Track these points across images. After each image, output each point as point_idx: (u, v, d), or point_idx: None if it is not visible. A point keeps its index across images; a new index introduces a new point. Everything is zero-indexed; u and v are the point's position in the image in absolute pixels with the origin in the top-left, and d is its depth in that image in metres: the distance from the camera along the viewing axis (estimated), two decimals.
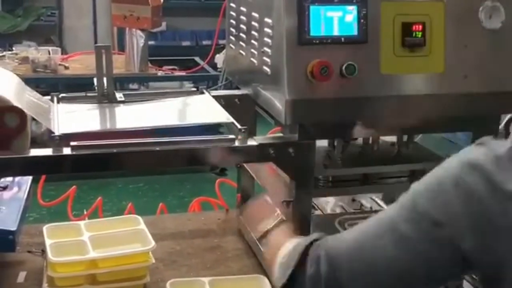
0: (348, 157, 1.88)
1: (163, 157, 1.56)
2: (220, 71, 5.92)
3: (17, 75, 4.75)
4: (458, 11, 1.67)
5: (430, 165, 1.88)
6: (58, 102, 1.88)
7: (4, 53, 5.15)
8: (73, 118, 1.71)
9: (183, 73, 5.44)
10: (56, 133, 1.54)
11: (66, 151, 1.50)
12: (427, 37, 1.64)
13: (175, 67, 5.75)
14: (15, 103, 1.51)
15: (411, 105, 1.68)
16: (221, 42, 5.57)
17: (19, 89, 1.71)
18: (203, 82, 5.80)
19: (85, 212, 2.32)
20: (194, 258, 2.07)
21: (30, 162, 1.50)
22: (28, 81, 5.18)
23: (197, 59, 5.71)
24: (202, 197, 2.54)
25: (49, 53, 4.98)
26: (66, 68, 4.93)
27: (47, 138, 1.58)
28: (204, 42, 7.32)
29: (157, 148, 1.54)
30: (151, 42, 6.31)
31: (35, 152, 1.51)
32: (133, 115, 1.78)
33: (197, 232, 2.25)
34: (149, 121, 1.69)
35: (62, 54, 5.67)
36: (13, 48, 5.46)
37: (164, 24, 7.26)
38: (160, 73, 5.25)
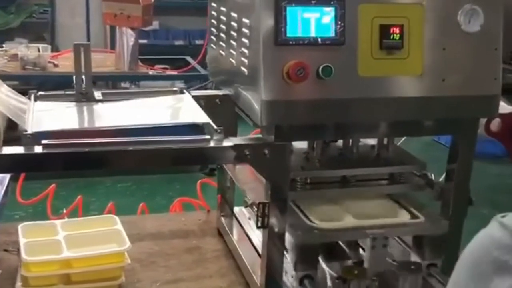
0: (327, 159, 1.87)
1: (135, 157, 1.55)
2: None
3: (6, 72, 4.74)
4: (437, 14, 1.66)
5: (409, 168, 1.91)
6: (35, 100, 1.87)
7: None
8: (48, 116, 1.70)
9: (174, 72, 5.42)
10: (29, 131, 1.52)
11: (38, 149, 1.48)
12: (405, 40, 1.63)
13: (167, 66, 5.74)
14: None
15: (388, 108, 1.66)
16: None
17: None
18: (194, 81, 5.79)
19: (64, 211, 2.31)
20: (172, 258, 2.06)
21: (1, 160, 1.48)
22: (16, 78, 5.18)
23: (188, 58, 5.70)
24: (184, 197, 2.52)
25: (39, 51, 4.95)
26: (56, 65, 4.91)
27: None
28: (197, 42, 7.30)
29: (130, 148, 1.53)
30: (143, 41, 6.31)
31: (6, 150, 1.49)
32: (108, 114, 1.76)
33: (177, 233, 2.24)
34: (123, 120, 1.68)
35: (52, 52, 5.65)
36: (4, 45, 5.44)
37: (157, 23, 7.27)
38: (151, 72, 5.24)
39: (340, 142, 1.95)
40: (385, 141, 1.93)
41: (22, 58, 4.76)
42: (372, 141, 1.97)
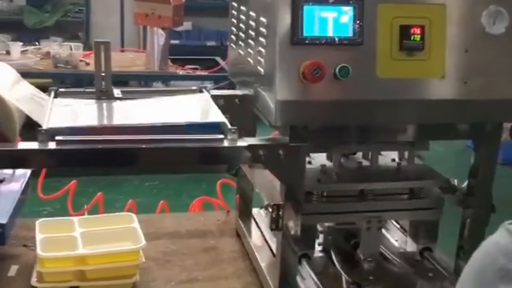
0: (345, 172, 1.82)
1: (147, 155, 1.54)
2: None
3: (39, 69, 4.78)
4: (460, 15, 1.61)
5: (430, 184, 1.85)
6: (55, 97, 1.88)
7: (27, 47, 5.20)
8: (65, 113, 1.70)
9: (203, 73, 5.43)
10: (44, 127, 1.53)
11: (51, 145, 1.49)
12: (426, 41, 1.59)
13: (197, 66, 5.75)
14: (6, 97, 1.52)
15: (407, 110, 1.62)
16: None
17: (13, 83, 1.71)
18: (222, 81, 5.79)
19: (85, 207, 2.32)
20: (188, 258, 2.05)
21: (15, 155, 1.49)
22: (47, 75, 5.24)
23: (218, 59, 5.70)
24: (204, 197, 2.52)
25: (71, 49, 5.01)
26: (87, 64, 4.96)
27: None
28: None
29: (142, 146, 1.52)
30: (175, 41, 6.35)
31: (21, 145, 1.50)
32: (124, 112, 1.76)
33: (195, 233, 2.23)
34: (138, 119, 1.67)
35: (86, 50, 5.71)
36: (38, 43, 5.52)
37: (189, 23, 7.30)
38: (180, 72, 5.25)
39: (359, 154, 1.91)
40: (406, 155, 1.89)
41: (54, 56, 4.82)
42: (393, 154, 1.93)
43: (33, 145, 1.49)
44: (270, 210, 1.69)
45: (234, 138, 1.59)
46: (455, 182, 1.86)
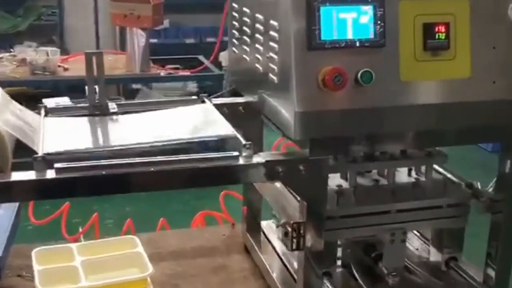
0: (362, 193, 1.69)
1: (159, 178, 1.40)
2: (225, 70, 5.75)
3: (15, 78, 4.56)
4: (485, 9, 1.50)
5: (451, 200, 1.73)
6: (45, 115, 1.72)
7: (2, 55, 4.98)
8: (60, 134, 1.55)
9: (186, 73, 5.26)
10: (40, 153, 1.37)
11: (50, 174, 1.34)
12: (452, 39, 1.47)
13: (179, 66, 5.58)
14: None
15: (434, 115, 1.50)
16: (225, 39, 5.42)
17: (1, 106, 1.55)
18: (207, 81, 5.64)
19: (80, 230, 2.16)
20: (197, 281, 1.92)
21: (10, 188, 1.34)
22: (26, 83, 5.03)
23: (201, 57, 5.53)
24: (206, 210, 2.38)
25: (48, 55, 4.81)
26: (66, 69, 4.77)
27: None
28: (208, 39, 7.13)
29: (152, 169, 1.38)
30: (153, 40, 6.16)
31: (16, 176, 1.34)
32: (126, 130, 1.61)
33: (201, 251, 2.09)
34: (143, 137, 1.52)
35: (62, 54, 5.51)
36: (13, 49, 5.30)
37: (167, 21, 7.10)
38: (162, 73, 5.08)
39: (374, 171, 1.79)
40: (423, 168, 1.78)
41: (31, 63, 4.61)
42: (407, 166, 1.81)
43: (30, 175, 1.34)
44: (289, 229, 1.55)
45: (249, 154, 1.46)
46: (478, 185, 1.76)
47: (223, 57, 6.07)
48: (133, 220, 2.38)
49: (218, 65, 5.73)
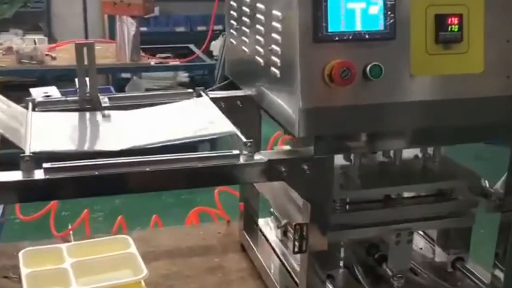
0: (367, 175, 1.63)
1: (155, 179, 1.31)
2: (216, 59, 5.66)
3: (1, 67, 4.44)
4: (499, 0, 1.42)
5: (460, 184, 1.68)
6: (33, 109, 1.63)
7: None
8: (49, 131, 1.46)
9: (177, 62, 5.16)
10: (27, 152, 1.28)
11: (39, 174, 1.25)
12: (465, 32, 1.39)
13: (169, 54, 5.48)
14: None
15: (446, 111, 1.43)
16: (216, 28, 5.32)
17: None
18: (198, 71, 5.54)
19: (69, 226, 2.07)
20: (192, 281, 1.84)
21: None
22: (12, 73, 4.92)
23: (191, 46, 5.43)
24: (200, 206, 2.29)
25: (35, 43, 4.69)
26: (53, 58, 4.65)
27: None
28: (199, 28, 7.02)
29: (147, 169, 1.29)
30: (143, 29, 6.03)
31: (1, 176, 1.25)
32: (120, 127, 1.52)
33: (196, 249, 2.01)
34: (137, 135, 1.44)
35: (49, 42, 5.39)
36: None
37: (157, 9, 6.98)
38: (152, 62, 4.97)
39: (379, 153, 1.72)
40: (430, 150, 1.71)
41: (18, 52, 4.49)
42: (415, 151, 1.74)
43: (16, 175, 1.25)
44: (291, 230, 1.48)
45: (251, 153, 1.37)
46: (486, 183, 1.69)
47: (214, 46, 5.99)
48: (123, 213, 2.30)
49: (209, 54, 5.63)
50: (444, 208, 1.68)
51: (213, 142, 4.72)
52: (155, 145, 1.36)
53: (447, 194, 1.66)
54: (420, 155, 1.73)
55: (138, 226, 2.91)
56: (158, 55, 5.21)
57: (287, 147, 1.69)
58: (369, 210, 1.60)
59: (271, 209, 1.96)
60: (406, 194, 1.67)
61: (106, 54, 4.87)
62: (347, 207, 1.57)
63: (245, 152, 1.37)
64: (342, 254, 1.73)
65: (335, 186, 1.50)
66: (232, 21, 1.78)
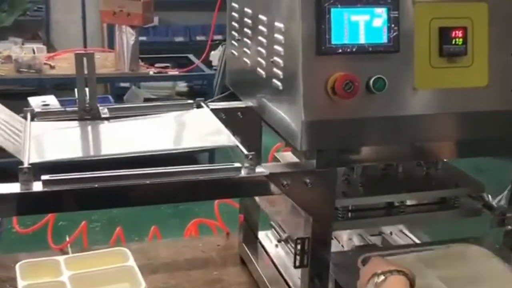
0: (369, 182, 1.62)
1: (156, 191, 1.29)
2: (215, 70, 5.65)
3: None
4: (504, 13, 1.41)
5: (463, 191, 1.67)
6: (31, 120, 1.61)
7: None
8: (47, 142, 1.44)
9: (176, 72, 5.15)
10: (25, 164, 1.26)
11: (37, 187, 1.23)
12: (469, 45, 1.38)
13: (168, 64, 5.47)
14: None
15: (450, 125, 1.41)
16: (215, 38, 5.31)
17: None
18: (197, 81, 5.53)
19: (67, 238, 2.04)
20: None
21: None
22: (11, 81, 4.91)
23: (191, 56, 5.42)
24: (200, 218, 2.27)
25: (34, 52, 4.67)
26: (52, 67, 4.63)
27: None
28: (198, 38, 7.02)
29: (148, 181, 1.28)
30: (142, 38, 6.03)
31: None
32: (119, 138, 1.50)
33: (195, 262, 1.99)
34: (137, 146, 1.42)
35: (48, 51, 5.37)
36: None
37: (156, 19, 6.98)
38: (151, 72, 4.96)
39: None
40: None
41: (16, 60, 4.48)
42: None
43: (14, 187, 1.22)
44: (292, 244, 1.46)
45: (252, 166, 1.36)
46: (489, 198, 1.67)
47: (214, 56, 5.98)
48: (121, 223, 2.28)
49: (208, 64, 5.62)
50: (447, 216, 1.66)
51: (212, 153, 4.74)
52: (155, 153, 1.34)
53: (450, 202, 1.65)
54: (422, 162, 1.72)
55: (136, 236, 2.91)
56: (157, 65, 5.20)
57: (289, 153, 1.67)
58: (371, 218, 1.58)
59: (271, 222, 1.95)
60: (408, 202, 1.65)
61: (105, 63, 4.86)
62: (350, 214, 1.55)
63: (246, 164, 1.36)
64: None
65: (337, 193, 1.49)
66: (234, 32, 1.76)
